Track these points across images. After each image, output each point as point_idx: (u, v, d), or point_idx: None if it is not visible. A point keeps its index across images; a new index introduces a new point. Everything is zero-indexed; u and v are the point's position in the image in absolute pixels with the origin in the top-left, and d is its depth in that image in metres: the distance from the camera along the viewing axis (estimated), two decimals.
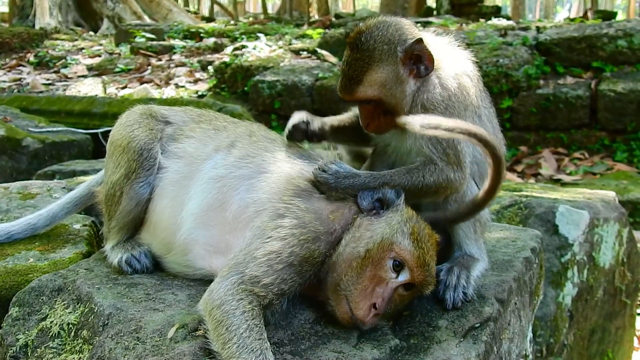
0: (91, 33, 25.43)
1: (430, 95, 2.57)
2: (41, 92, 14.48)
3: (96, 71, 16.76)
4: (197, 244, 2.53)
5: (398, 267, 2.30)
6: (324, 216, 2.38)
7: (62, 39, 22.04)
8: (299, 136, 2.81)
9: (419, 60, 2.54)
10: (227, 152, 2.65)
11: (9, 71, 17.57)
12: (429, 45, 2.56)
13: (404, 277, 2.31)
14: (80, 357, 2.28)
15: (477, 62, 2.87)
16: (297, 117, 2.89)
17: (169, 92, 14.28)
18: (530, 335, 3.16)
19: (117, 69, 16.57)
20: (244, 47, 16.43)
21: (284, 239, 2.28)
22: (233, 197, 2.50)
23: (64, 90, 14.81)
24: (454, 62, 2.69)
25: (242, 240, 2.37)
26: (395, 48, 2.53)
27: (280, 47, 16.08)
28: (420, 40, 2.51)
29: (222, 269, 2.31)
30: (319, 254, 2.32)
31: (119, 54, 18.68)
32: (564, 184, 8.14)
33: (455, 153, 2.57)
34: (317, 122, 2.89)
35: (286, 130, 2.84)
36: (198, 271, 2.58)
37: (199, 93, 14.06)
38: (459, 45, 2.84)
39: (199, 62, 16.38)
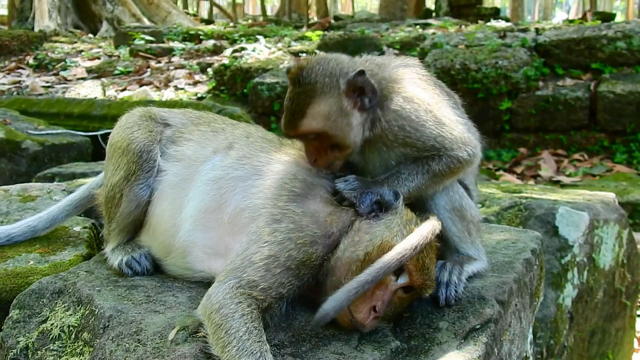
0: (90, 35, 25.44)
1: (388, 123, 2.57)
2: (40, 94, 14.47)
3: (95, 73, 16.76)
4: (196, 247, 2.53)
5: (398, 270, 2.30)
6: (320, 219, 2.37)
7: (62, 42, 22.04)
8: None
9: (362, 92, 2.53)
10: (225, 154, 2.65)
11: (8, 74, 17.57)
12: (375, 74, 2.58)
13: (403, 280, 2.30)
14: None
15: (425, 64, 2.84)
16: None
17: (168, 94, 14.28)
18: (530, 336, 3.16)
19: (116, 71, 16.56)
20: (243, 49, 16.43)
21: (281, 243, 2.27)
22: (230, 199, 2.50)
23: (63, 92, 14.80)
24: (399, 86, 2.66)
25: (238, 245, 2.36)
26: (338, 80, 2.52)
27: (279, 49, 16.09)
28: (362, 72, 2.50)
29: (219, 274, 2.31)
30: (317, 258, 2.32)
31: (118, 57, 18.68)
32: (564, 186, 8.14)
33: (451, 136, 2.59)
34: None
35: None
36: (197, 274, 2.58)
37: (199, 95, 14.06)
38: (403, 63, 2.79)
39: (198, 64, 16.38)
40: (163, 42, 19.73)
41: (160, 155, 2.77)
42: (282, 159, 2.61)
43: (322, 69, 2.53)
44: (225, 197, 2.51)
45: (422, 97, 2.63)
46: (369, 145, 2.62)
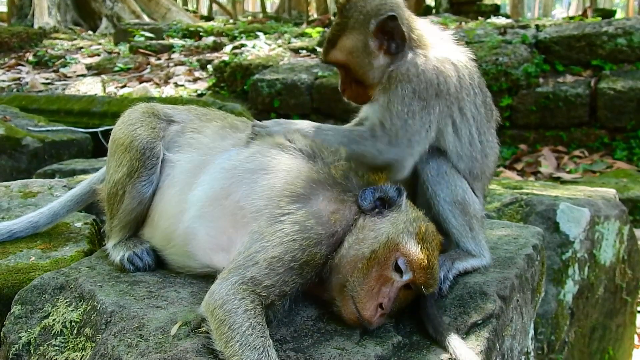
0: (90, 32, 25.38)
1: (399, 69, 2.59)
2: (40, 91, 14.46)
3: (95, 70, 16.74)
4: (198, 234, 2.52)
5: (403, 267, 2.29)
6: (324, 218, 2.35)
7: (61, 38, 21.99)
8: None
9: (391, 36, 2.60)
10: (242, 148, 2.65)
11: (8, 70, 17.55)
12: (415, 29, 2.64)
13: (408, 276, 2.30)
14: (83, 355, 2.28)
15: (475, 59, 2.86)
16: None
17: (168, 91, 14.27)
18: (532, 332, 3.17)
19: (116, 68, 16.55)
20: (243, 45, 16.42)
21: (285, 244, 2.26)
22: (237, 191, 2.49)
23: (63, 89, 14.78)
24: (439, 48, 2.70)
25: (240, 244, 2.35)
26: (369, 20, 2.62)
27: (279, 46, 16.07)
28: (393, 17, 2.58)
29: (222, 271, 2.30)
30: (321, 257, 2.31)
31: (118, 53, 18.66)
32: (564, 182, 8.14)
33: (403, 128, 2.55)
34: None
35: None
36: (198, 263, 2.57)
37: (199, 92, 14.05)
38: (458, 41, 2.85)
39: (198, 61, 16.36)
40: (163, 39, 19.69)
41: (171, 149, 2.77)
42: (288, 157, 2.59)
43: (363, 5, 2.64)
44: (233, 188, 2.50)
45: (448, 80, 2.60)
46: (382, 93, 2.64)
